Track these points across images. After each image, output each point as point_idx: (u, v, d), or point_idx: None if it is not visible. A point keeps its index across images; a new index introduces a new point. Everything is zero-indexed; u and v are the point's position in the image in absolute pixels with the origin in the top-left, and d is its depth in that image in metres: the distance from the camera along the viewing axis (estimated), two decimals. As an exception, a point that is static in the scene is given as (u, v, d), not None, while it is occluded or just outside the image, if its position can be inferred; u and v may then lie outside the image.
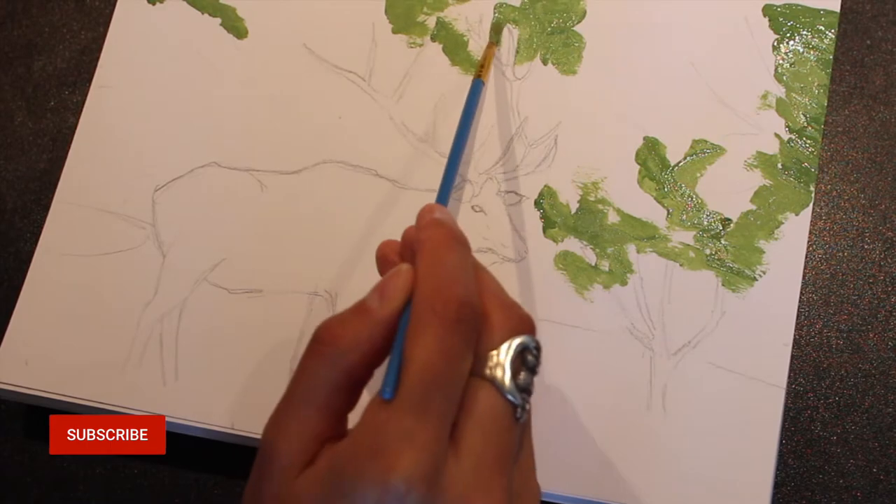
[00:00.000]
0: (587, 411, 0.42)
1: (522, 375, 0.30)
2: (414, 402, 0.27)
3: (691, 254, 0.43)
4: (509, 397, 0.29)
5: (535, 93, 0.45)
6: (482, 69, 0.43)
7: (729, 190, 0.44)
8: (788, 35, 0.46)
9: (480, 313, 0.30)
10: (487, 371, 0.29)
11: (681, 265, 0.43)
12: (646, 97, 0.45)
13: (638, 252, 0.43)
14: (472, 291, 0.30)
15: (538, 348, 0.31)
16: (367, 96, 0.46)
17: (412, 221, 0.43)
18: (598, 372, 0.42)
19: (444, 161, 0.44)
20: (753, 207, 0.44)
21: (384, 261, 0.34)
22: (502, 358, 0.30)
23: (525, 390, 0.30)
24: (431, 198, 0.44)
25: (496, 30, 0.46)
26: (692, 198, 0.44)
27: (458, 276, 0.30)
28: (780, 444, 0.42)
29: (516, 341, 0.30)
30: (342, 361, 0.29)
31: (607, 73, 0.46)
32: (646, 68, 0.46)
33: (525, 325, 0.31)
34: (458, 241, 0.32)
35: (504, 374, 0.29)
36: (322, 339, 0.30)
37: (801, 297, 0.43)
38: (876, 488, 0.43)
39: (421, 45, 0.46)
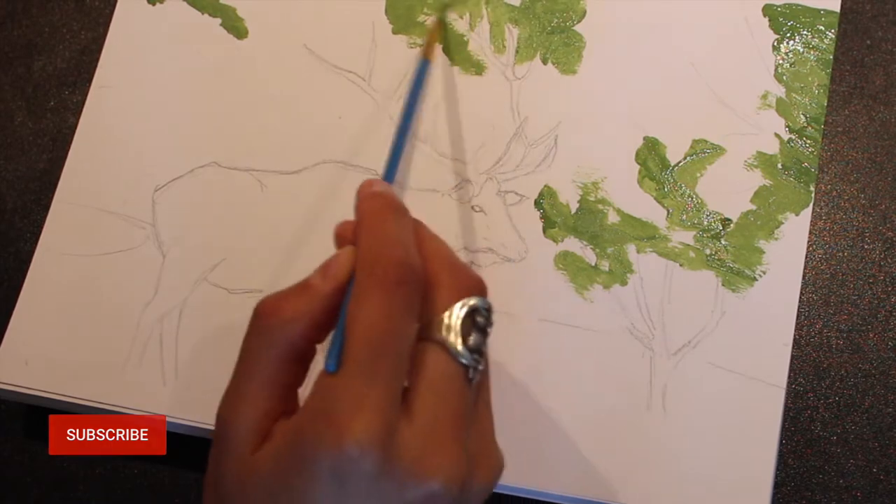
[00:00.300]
0: (587, 411, 0.42)
1: (473, 337, 0.30)
2: (361, 367, 0.27)
3: (691, 254, 0.43)
4: (461, 359, 0.29)
5: (535, 93, 0.45)
6: (428, 48, 0.43)
7: (729, 190, 0.44)
8: (788, 35, 0.46)
9: (422, 275, 0.30)
10: (437, 334, 0.29)
11: (681, 265, 0.43)
12: (646, 97, 0.45)
13: (638, 252, 0.43)
14: (411, 254, 0.30)
15: (489, 309, 0.31)
16: (367, 96, 0.46)
17: None
18: (598, 372, 0.42)
19: (445, 161, 0.45)
20: (753, 207, 0.44)
21: (341, 239, 0.33)
22: (452, 320, 0.30)
23: (476, 351, 0.30)
24: (431, 198, 0.45)
25: (442, 7, 0.46)
26: (692, 198, 0.44)
27: (395, 240, 0.30)
28: (780, 444, 0.42)
29: (466, 303, 0.30)
30: (284, 334, 0.29)
31: (607, 72, 0.46)
32: (646, 68, 0.46)
33: (474, 286, 0.31)
34: (395, 209, 0.32)
35: (454, 337, 0.29)
36: (262, 314, 0.30)
37: (801, 297, 0.43)
38: (876, 488, 0.43)
39: (421, 46, 0.46)
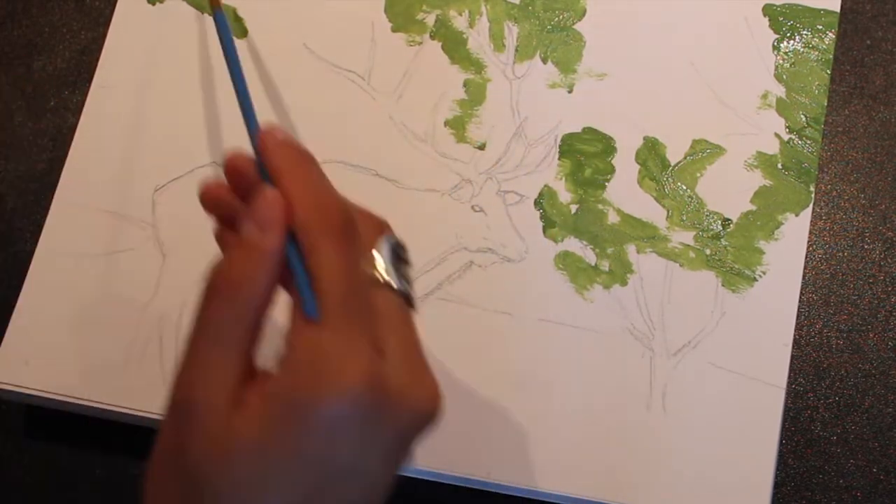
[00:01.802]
0: (587, 411, 0.42)
1: (402, 269, 0.31)
2: (339, 316, 0.28)
3: (691, 254, 0.43)
4: (402, 291, 0.31)
5: (535, 92, 0.46)
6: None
7: (729, 190, 0.44)
8: (788, 35, 0.46)
9: (353, 217, 0.31)
10: (376, 273, 0.31)
11: (681, 265, 0.43)
12: (646, 97, 0.45)
13: (638, 252, 0.44)
14: (343, 199, 0.31)
15: (401, 243, 0.32)
16: (367, 95, 0.46)
17: (412, 221, 0.44)
18: (598, 372, 0.42)
19: (441, 160, 0.45)
20: (753, 208, 0.44)
21: (237, 174, 0.33)
22: (383, 258, 0.31)
23: (408, 280, 0.32)
24: (431, 197, 0.45)
25: None
26: (692, 198, 0.44)
27: (327, 188, 0.31)
28: (780, 444, 0.42)
29: (387, 240, 0.32)
30: (245, 301, 0.29)
31: (608, 71, 0.46)
32: (646, 68, 0.46)
33: (384, 224, 0.33)
34: (311, 157, 0.32)
35: (391, 272, 0.31)
36: (219, 285, 0.30)
37: (801, 297, 0.43)
38: (876, 488, 0.43)
39: (420, 44, 0.47)
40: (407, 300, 0.31)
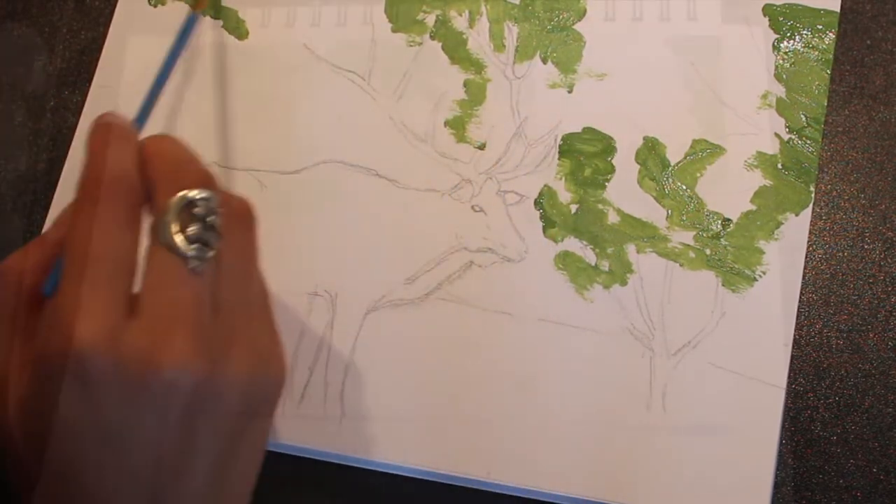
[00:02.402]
0: (587, 411, 0.42)
1: (193, 228, 0.31)
2: (77, 277, 0.29)
3: (691, 254, 0.44)
4: (177, 251, 0.30)
5: (535, 92, 0.46)
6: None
7: (729, 190, 0.44)
8: (788, 35, 0.46)
9: (136, 185, 0.31)
10: (158, 234, 0.31)
11: (681, 265, 0.43)
12: (646, 97, 0.45)
13: (638, 252, 0.44)
14: (123, 168, 0.31)
15: (208, 198, 0.31)
16: (368, 96, 0.46)
17: (412, 221, 0.44)
18: (598, 372, 0.42)
19: (441, 160, 0.45)
20: (753, 207, 0.44)
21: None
22: (169, 217, 0.31)
23: (199, 241, 0.31)
24: (431, 197, 0.45)
25: None
26: (692, 198, 0.44)
27: (107, 160, 0.31)
28: (780, 444, 0.42)
29: (183, 196, 0.31)
30: (24, 285, 0.32)
31: (608, 71, 0.46)
32: (646, 68, 0.46)
33: (194, 179, 0.32)
34: (117, 134, 0.32)
35: (170, 230, 0.30)
36: (2, 270, 0.32)
37: (801, 297, 0.43)
38: (876, 488, 0.43)
39: (420, 44, 0.47)
40: (183, 259, 0.30)
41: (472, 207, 0.45)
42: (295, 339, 0.43)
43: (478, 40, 0.47)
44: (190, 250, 0.30)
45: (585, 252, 0.44)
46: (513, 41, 0.47)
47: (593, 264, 0.44)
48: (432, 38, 0.47)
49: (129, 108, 0.46)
